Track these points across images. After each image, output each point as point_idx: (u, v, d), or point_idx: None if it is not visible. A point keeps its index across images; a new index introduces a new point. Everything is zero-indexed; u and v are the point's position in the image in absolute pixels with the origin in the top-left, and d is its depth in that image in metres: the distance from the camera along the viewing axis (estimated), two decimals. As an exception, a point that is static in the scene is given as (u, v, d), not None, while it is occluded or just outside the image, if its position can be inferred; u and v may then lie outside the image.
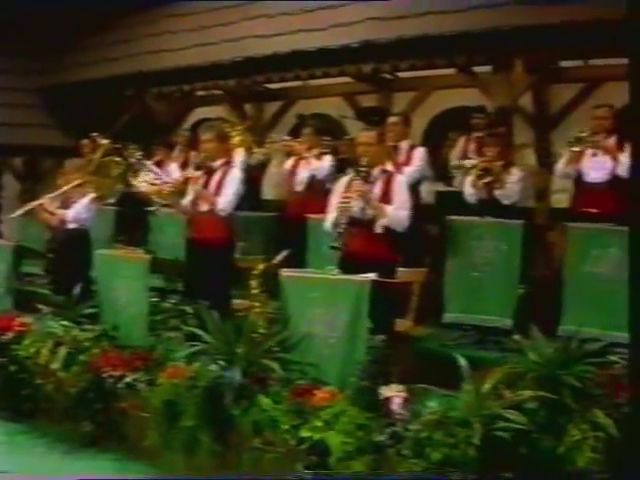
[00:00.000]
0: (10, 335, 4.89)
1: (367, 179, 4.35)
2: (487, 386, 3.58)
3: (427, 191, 7.05)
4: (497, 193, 5.61)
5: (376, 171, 4.43)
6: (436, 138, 7.51)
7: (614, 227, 4.49)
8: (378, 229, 4.33)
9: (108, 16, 8.14)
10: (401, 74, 7.41)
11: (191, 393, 3.82)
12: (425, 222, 5.96)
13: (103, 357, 4.41)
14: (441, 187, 7.22)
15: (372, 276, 3.74)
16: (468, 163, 5.96)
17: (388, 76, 7.58)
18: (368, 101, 8.04)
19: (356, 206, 4.29)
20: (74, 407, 4.40)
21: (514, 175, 5.65)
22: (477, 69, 6.20)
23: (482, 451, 3.34)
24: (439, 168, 7.31)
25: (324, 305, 3.79)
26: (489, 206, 5.55)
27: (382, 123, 6.16)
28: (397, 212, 4.33)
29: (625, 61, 6.04)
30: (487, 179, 5.46)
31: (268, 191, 7.93)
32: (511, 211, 5.46)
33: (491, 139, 5.84)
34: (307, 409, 3.61)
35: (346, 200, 4.27)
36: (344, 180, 4.53)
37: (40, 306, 4.95)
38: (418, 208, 5.69)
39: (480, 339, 4.86)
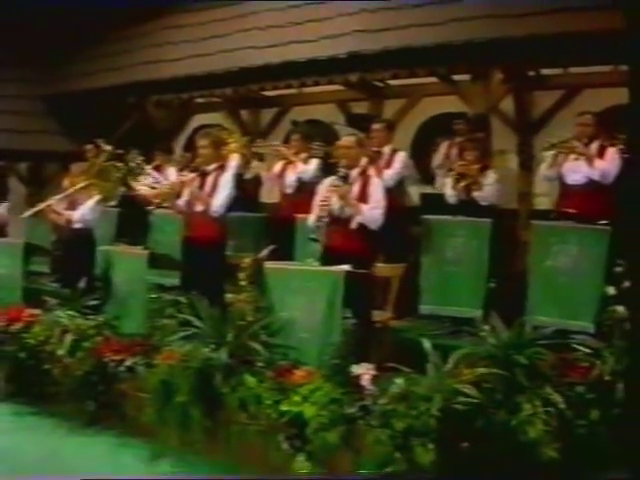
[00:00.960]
0: (19, 325, 5.44)
1: (346, 180, 4.87)
2: (448, 366, 4.10)
3: (414, 194, 7.63)
4: (475, 194, 6.15)
5: (354, 172, 4.96)
6: (425, 143, 8.05)
7: (573, 225, 5.01)
8: (354, 225, 4.85)
9: (109, 27, 8.72)
10: (391, 82, 7.96)
11: (184, 373, 4.34)
12: (410, 222, 6.48)
13: (105, 344, 4.96)
14: (429, 189, 7.76)
15: (346, 267, 4.26)
16: (447, 166, 6.52)
17: (378, 84, 8.12)
18: (359, 108, 8.56)
19: (336, 204, 4.81)
20: (78, 389, 4.93)
21: (490, 177, 6.18)
22: (457, 78, 6.73)
23: (442, 422, 3.85)
24: (427, 171, 7.89)
25: (303, 293, 4.31)
26: (468, 207, 6.09)
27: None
28: (372, 211, 4.81)
29: (602, 69, 6.65)
30: (463, 182, 6.00)
31: (265, 195, 8.48)
32: (491, 212, 5.99)
33: (470, 144, 6.39)
34: (287, 386, 4.12)
35: (326, 199, 4.79)
36: (326, 181, 5.05)
37: (47, 298, 5.51)
38: (401, 209, 6.27)
39: (455, 329, 5.39)
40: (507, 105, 7.70)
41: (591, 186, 5.44)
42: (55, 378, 5.12)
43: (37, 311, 5.52)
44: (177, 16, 8.19)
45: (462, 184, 6.00)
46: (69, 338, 5.03)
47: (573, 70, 7.23)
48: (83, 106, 8.85)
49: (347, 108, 8.65)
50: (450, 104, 7.54)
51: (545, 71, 7.43)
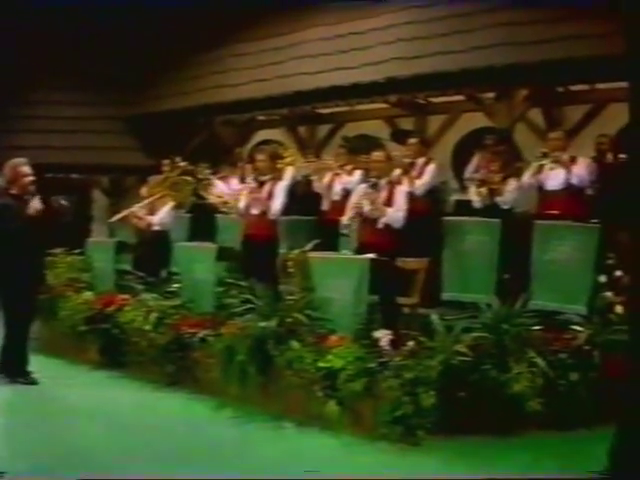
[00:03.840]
0: (113, 308, 7.14)
1: (376, 187, 6.32)
2: (451, 333, 5.48)
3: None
4: (497, 199, 7.49)
5: (383, 181, 6.40)
6: (465, 155, 9.40)
7: (569, 223, 6.29)
8: (380, 225, 6.27)
9: (179, 56, 10.55)
10: (433, 99, 9.37)
11: (244, 340, 5.85)
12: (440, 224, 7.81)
13: (182, 320, 6.55)
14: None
15: (371, 255, 5.71)
16: (473, 176, 7.87)
17: (422, 101, 9.55)
18: (406, 123, 10.01)
19: (366, 207, 6.24)
20: (160, 356, 6.52)
21: (511, 185, 7.49)
22: (483, 96, 8.09)
23: (442, 375, 5.21)
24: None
25: (338, 276, 5.78)
26: (492, 210, 7.41)
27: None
28: (395, 213, 6.21)
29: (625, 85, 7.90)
30: (483, 188, 7.36)
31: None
32: (510, 215, 7.31)
33: (493, 155, 7.73)
34: (324, 349, 5.57)
35: (358, 204, 6.24)
36: (359, 188, 6.52)
37: (135, 286, 7.19)
38: (429, 212, 7.63)
39: (473, 314, 6.71)
40: (540, 120, 9.00)
41: (568, 190, 6.80)
42: (141, 349, 6.76)
43: (127, 296, 7.21)
44: (239, 45, 9.89)
45: (483, 189, 7.35)
46: (153, 316, 6.65)
47: (599, 86, 8.49)
48: (158, 125, 10.67)
49: (394, 124, 10.12)
50: (487, 120, 8.88)
51: (573, 87, 8.70)
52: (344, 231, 6.24)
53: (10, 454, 4.92)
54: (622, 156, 7.27)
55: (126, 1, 10.31)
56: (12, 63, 10.70)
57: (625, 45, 4.29)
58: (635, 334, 4.02)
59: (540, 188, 7.03)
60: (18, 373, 6.45)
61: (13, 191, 6.48)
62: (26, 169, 6.52)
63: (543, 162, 6.87)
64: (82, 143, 10.69)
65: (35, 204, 6.31)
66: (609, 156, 7.66)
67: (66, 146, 10.61)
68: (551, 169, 6.88)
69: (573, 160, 6.87)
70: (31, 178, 6.50)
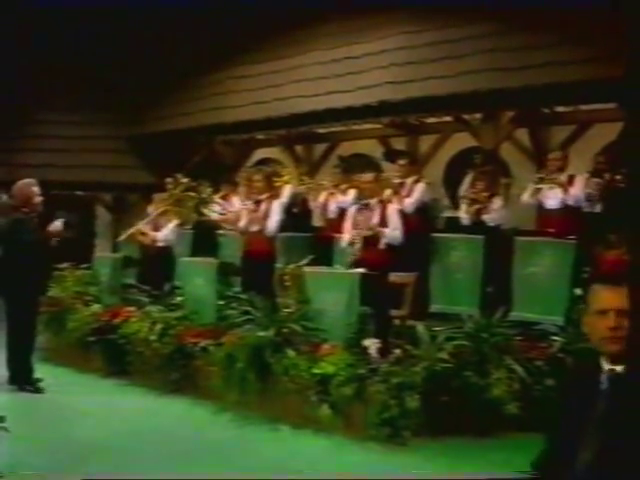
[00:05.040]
0: (119, 319, 7.73)
1: (367, 207, 6.93)
2: (435, 341, 6.07)
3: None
4: (484, 217, 8.10)
5: (374, 202, 7.01)
6: (456, 173, 10.02)
7: (547, 239, 6.90)
8: (382, 245, 6.84)
9: (181, 78, 11.21)
10: (425, 120, 9.99)
11: (243, 348, 6.44)
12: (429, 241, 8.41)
13: (185, 331, 7.13)
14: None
15: (361, 270, 6.31)
16: (466, 194, 8.48)
17: (414, 122, 10.18)
18: (399, 143, 10.63)
19: (364, 233, 6.81)
20: (164, 365, 7.10)
21: (496, 203, 8.11)
22: (470, 118, 8.72)
23: (426, 380, 5.80)
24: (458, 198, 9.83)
25: (330, 290, 6.37)
26: (479, 227, 8.02)
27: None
28: (393, 232, 6.82)
29: (609, 106, 8.49)
30: (474, 207, 7.96)
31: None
32: (497, 231, 7.91)
33: (480, 175, 8.36)
34: (317, 357, 6.15)
35: (358, 234, 6.80)
36: (353, 208, 7.13)
37: (141, 298, 7.79)
38: (417, 229, 8.22)
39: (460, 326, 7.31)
40: (527, 139, 9.63)
41: (565, 209, 7.38)
42: (146, 358, 7.34)
43: (132, 308, 7.81)
44: (239, 68, 10.53)
45: (473, 208, 7.97)
46: (158, 327, 7.24)
47: (583, 107, 9.12)
48: (159, 145, 11.31)
49: (388, 143, 10.74)
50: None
51: (559, 108, 9.34)
52: (348, 250, 6.81)
53: (22, 455, 5.26)
54: (617, 177, 7.83)
55: (129, 23, 11.01)
56: (16, 83, 11.34)
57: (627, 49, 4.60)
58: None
59: (539, 206, 7.64)
60: (26, 381, 7.00)
61: (24, 209, 7.09)
62: (36, 189, 7.13)
63: (540, 186, 7.46)
64: (86, 161, 11.32)
65: (57, 225, 6.92)
66: (606, 175, 8.20)
67: (71, 164, 11.24)
68: (550, 188, 7.47)
69: (571, 180, 7.46)
70: (40, 198, 7.12)
